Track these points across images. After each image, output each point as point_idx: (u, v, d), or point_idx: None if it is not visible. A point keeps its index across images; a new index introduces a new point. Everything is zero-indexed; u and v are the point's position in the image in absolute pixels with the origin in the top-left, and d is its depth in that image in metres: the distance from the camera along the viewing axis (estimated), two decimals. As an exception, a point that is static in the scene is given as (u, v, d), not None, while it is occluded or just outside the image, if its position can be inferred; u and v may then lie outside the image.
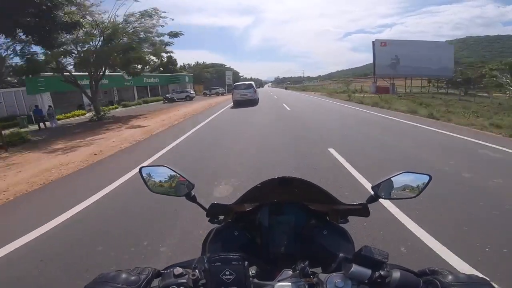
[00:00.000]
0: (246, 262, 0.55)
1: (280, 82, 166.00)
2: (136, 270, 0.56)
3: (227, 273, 0.54)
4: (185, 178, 0.80)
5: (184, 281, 0.55)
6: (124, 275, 0.52)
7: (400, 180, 0.75)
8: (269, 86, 63.85)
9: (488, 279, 0.53)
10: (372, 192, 0.75)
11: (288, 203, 0.86)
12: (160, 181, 0.81)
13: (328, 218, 0.87)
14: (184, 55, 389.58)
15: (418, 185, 0.76)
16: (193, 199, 0.81)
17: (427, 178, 0.76)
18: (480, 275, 0.58)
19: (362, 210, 0.78)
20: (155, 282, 0.56)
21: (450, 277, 0.53)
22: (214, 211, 0.82)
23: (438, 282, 0.52)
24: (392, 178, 0.75)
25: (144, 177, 0.81)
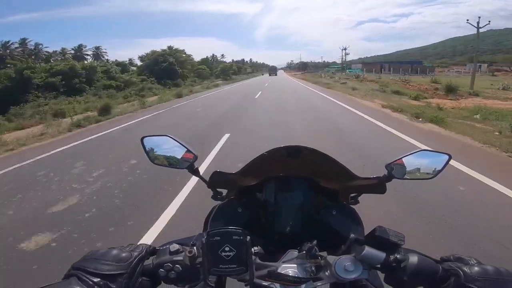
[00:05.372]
0: (248, 237, 0.49)
1: (294, 68, 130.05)
2: (130, 247, 0.52)
3: (227, 249, 0.48)
4: (188, 150, 0.74)
5: (180, 258, 0.51)
6: (115, 252, 0.49)
7: (416, 159, 0.68)
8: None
9: None
10: (386, 171, 0.68)
11: (296, 178, 0.79)
12: (162, 152, 0.76)
13: (338, 198, 0.80)
14: (191, 43, 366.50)
15: (435, 164, 0.68)
16: (195, 172, 0.75)
17: (446, 157, 0.68)
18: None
19: (377, 186, 0.71)
20: (150, 260, 0.52)
21: (476, 268, 0.46)
22: (216, 181, 0.76)
23: (462, 273, 0.46)
24: (407, 157, 0.67)
25: (146, 147, 0.76)
